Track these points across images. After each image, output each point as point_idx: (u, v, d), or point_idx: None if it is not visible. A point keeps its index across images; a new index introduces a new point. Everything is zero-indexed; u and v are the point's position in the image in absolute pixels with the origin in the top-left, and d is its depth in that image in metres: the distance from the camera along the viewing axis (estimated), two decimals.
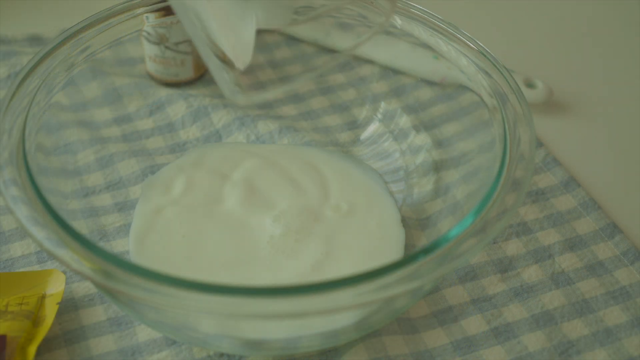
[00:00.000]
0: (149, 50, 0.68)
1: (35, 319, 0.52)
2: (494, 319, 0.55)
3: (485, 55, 0.57)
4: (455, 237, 0.47)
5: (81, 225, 0.56)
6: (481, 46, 0.58)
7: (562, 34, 0.76)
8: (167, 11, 0.64)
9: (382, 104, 0.66)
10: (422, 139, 0.63)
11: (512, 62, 0.69)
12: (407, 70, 0.66)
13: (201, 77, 0.70)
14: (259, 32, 0.75)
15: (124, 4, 0.60)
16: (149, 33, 0.66)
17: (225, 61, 0.48)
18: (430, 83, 0.65)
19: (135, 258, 0.56)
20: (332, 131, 0.66)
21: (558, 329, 0.54)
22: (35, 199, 0.48)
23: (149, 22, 0.63)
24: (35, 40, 0.75)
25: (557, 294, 0.56)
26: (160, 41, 0.67)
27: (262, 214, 0.59)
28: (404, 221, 0.59)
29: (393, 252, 0.57)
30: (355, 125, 0.66)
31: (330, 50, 0.73)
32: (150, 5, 0.61)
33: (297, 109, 0.69)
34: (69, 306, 0.55)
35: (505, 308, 0.55)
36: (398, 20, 0.60)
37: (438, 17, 0.59)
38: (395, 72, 0.66)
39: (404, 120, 0.64)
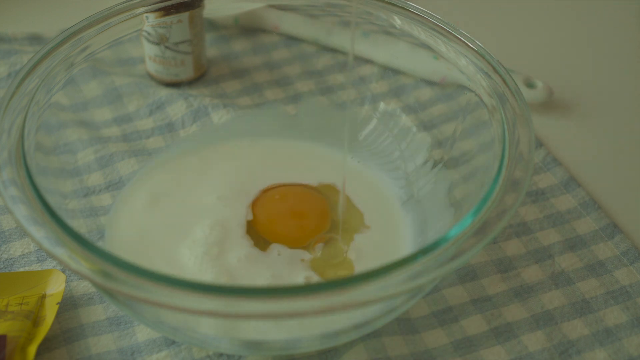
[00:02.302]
0: (149, 50, 0.68)
1: (35, 319, 0.52)
2: (494, 319, 0.55)
3: (484, 56, 0.57)
4: (454, 237, 0.47)
5: (80, 225, 0.56)
6: (481, 46, 0.58)
7: (562, 34, 0.76)
8: (167, 11, 0.64)
9: (382, 104, 0.66)
10: (421, 139, 0.63)
11: (512, 62, 0.69)
12: (406, 70, 0.66)
13: (201, 77, 0.70)
14: (255, 32, 0.75)
15: (124, 4, 0.60)
16: (149, 33, 0.66)
17: None
18: (429, 83, 0.65)
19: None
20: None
21: (558, 329, 0.54)
22: (34, 199, 0.48)
23: (149, 22, 0.63)
24: (35, 39, 0.75)
25: (557, 294, 0.56)
26: (160, 41, 0.67)
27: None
28: None
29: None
30: (354, 125, 0.66)
31: (332, 50, 0.73)
32: (150, 5, 0.61)
33: (297, 108, 0.69)
34: (68, 304, 0.55)
35: (505, 308, 0.55)
36: (397, 21, 0.60)
37: (437, 17, 0.59)
38: (395, 72, 0.66)
39: (404, 120, 0.64)
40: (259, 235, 0.57)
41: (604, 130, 0.69)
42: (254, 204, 0.59)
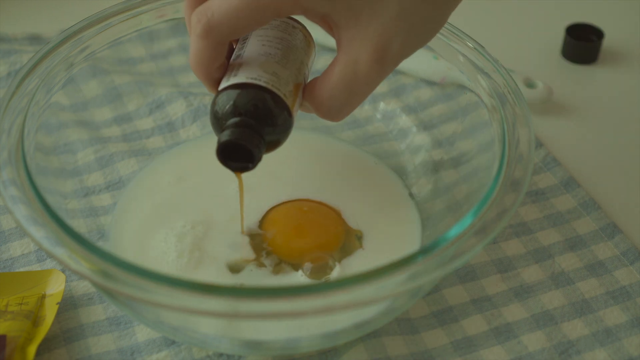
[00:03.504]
0: None
1: (35, 319, 0.52)
2: (494, 319, 0.54)
3: (484, 56, 0.57)
4: (454, 237, 0.47)
5: (80, 225, 0.56)
6: (481, 46, 0.58)
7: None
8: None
9: (382, 104, 0.66)
10: (421, 139, 0.63)
11: (512, 62, 0.69)
12: (407, 70, 0.66)
13: None
14: None
15: (124, 4, 0.60)
16: None
17: None
18: (429, 83, 0.65)
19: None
20: (331, 131, 0.66)
21: (558, 329, 0.54)
22: (34, 199, 0.48)
23: None
24: (35, 39, 0.75)
25: (557, 294, 0.56)
26: None
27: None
28: None
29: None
30: (354, 125, 0.66)
31: (331, 50, 0.73)
32: (150, 5, 0.61)
33: None
34: (68, 304, 0.55)
35: (505, 308, 0.55)
36: None
37: None
38: (395, 72, 0.66)
39: (404, 120, 0.64)
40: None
41: (603, 130, 0.69)
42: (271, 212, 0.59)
